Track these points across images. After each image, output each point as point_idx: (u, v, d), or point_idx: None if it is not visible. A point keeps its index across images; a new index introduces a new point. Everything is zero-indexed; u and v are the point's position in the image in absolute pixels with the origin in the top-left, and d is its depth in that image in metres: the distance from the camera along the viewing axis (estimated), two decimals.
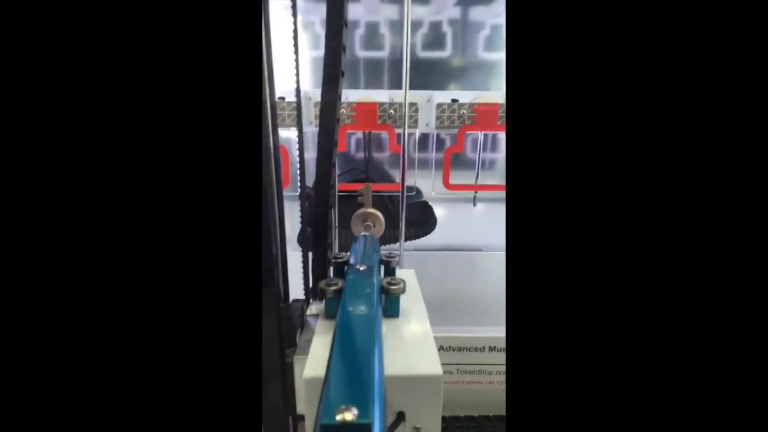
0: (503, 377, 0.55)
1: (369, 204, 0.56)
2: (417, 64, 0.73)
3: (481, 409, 0.55)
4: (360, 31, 0.74)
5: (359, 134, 0.74)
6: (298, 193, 0.36)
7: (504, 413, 0.55)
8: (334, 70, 0.29)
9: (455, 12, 0.74)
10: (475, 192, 0.72)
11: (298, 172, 0.35)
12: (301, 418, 0.32)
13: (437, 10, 0.74)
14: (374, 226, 0.54)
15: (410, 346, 0.27)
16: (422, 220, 0.70)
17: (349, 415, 0.16)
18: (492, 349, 0.57)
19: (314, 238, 0.36)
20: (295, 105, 0.37)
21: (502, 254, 0.76)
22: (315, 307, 0.36)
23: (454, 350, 0.54)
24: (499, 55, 0.75)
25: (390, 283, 0.30)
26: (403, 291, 0.30)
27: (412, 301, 0.33)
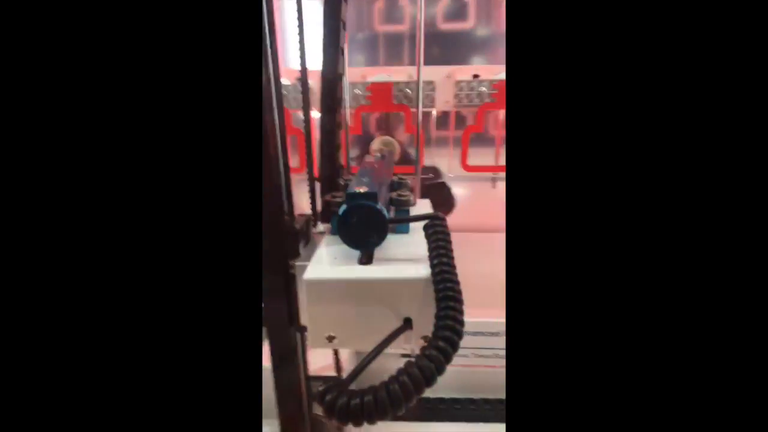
0: None
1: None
2: (438, 36, 0.70)
3: (500, 392, 0.55)
4: (379, 5, 0.72)
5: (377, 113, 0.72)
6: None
7: None
8: (333, 48, 0.27)
9: None
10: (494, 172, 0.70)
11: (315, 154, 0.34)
12: (305, 329, 0.31)
13: None
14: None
15: (418, 253, 0.26)
16: (440, 202, 0.69)
17: (363, 188, 0.25)
18: None
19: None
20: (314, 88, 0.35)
21: None
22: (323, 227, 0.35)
23: (469, 335, 0.54)
24: None
25: (400, 195, 0.28)
26: (413, 203, 0.28)
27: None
